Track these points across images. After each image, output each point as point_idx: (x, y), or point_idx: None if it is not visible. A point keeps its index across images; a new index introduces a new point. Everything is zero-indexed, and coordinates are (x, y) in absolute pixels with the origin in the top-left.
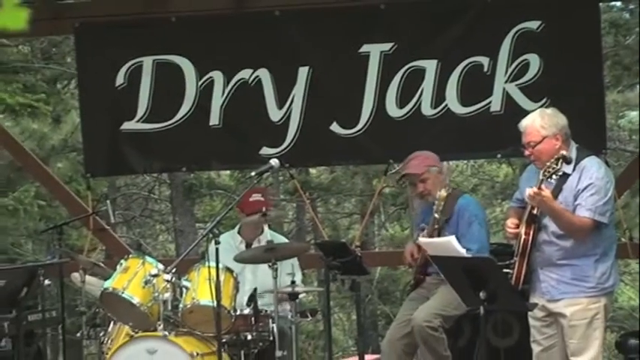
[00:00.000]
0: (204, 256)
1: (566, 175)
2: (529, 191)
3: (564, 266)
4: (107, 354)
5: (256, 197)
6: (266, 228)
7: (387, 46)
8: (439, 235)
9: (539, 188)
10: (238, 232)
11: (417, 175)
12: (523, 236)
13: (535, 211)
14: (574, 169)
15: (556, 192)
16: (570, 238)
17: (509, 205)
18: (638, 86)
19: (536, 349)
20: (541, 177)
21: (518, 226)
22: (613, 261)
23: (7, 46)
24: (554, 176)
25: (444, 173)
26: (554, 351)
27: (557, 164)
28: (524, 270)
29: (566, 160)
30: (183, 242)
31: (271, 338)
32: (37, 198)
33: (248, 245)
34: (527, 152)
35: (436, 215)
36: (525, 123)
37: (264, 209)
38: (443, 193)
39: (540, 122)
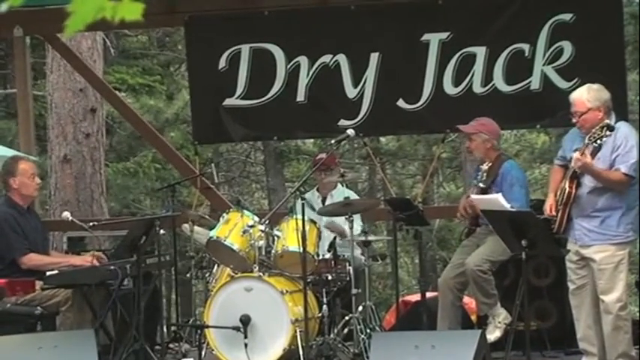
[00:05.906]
0: (292, 210)
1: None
2: (576, 155)
3: (595, 217)
4: (212, 291)
5: (321, 155)
6: (339, 185)
7: (444, 35)
8: (486, 194)
9: (583, 153)
10: (317, 190)
11: (468, 132)
12: (567, 189)
13: (577, 169)
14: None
15: (596, 151)
16: (602, 194)
17: (555, 162)
18: None
19: (571, 287)
20: (587, 141)
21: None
22: (636, 214)
23: (129, 36)
24: (598, 141)
25: (492, 143)
26: (586, 289)
27: (601, 131)
28: (565, 216)
29: (610, 129)
30: (274, 199)
31: (348, 278)
32: (154, 162)
33: (323, 200)
34: (574, 120)
35: (483, 166)
36: (574, 96)
37: (329, 165)
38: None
39: (586, 96)
